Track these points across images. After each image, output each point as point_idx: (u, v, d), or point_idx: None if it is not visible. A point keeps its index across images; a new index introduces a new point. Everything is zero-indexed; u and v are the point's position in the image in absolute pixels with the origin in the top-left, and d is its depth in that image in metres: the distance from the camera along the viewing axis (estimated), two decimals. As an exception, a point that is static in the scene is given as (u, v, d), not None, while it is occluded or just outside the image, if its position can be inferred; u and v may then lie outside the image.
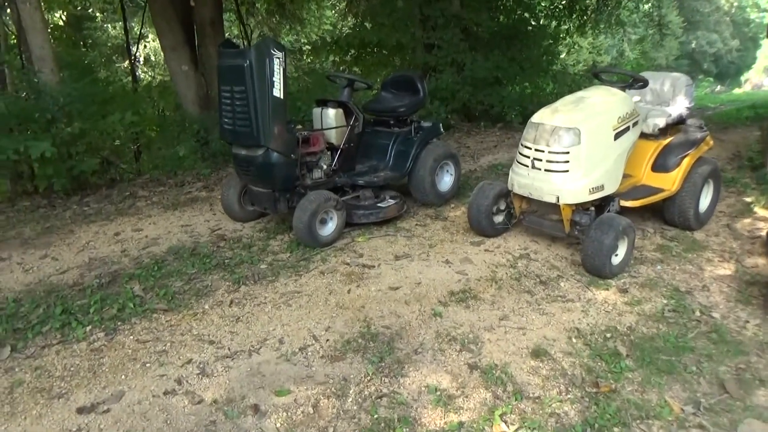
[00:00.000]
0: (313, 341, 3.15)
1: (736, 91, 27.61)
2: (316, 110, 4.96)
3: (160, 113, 8.19)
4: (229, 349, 3.11)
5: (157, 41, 9.92)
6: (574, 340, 3.27)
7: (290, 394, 2.74)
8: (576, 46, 19.63)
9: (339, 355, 3.03)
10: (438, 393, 2.76)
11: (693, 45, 36.56)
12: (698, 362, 3.10)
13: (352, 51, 10.20)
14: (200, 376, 2.87)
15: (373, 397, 2.71)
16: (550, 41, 11.42)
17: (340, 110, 4.92)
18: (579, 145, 3.97)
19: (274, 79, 4.19)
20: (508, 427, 2.58)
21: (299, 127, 4.74)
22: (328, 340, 3.17)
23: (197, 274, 4.03)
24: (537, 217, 4.45)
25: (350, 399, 2.70)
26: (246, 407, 2.65)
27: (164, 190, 6.21)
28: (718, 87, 29.17)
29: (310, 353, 3.05)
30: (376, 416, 2.59)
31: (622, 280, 3.99)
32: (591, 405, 2.76)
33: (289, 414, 2.61)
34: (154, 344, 3.16)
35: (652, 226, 4.99)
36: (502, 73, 9.69)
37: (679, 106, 4.91)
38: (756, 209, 5.53)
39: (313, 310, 3.49)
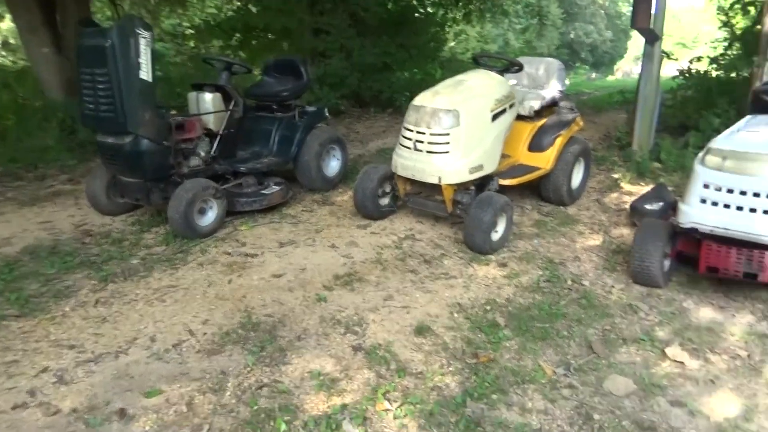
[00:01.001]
0: (189, 336, 2.97)
1: (609, 78, 30.00)
2: (192, 94, 4.68)
3: (20, 101, 7.40)
4: (92, 352, 2.85)
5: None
6: (455, 315, 3.34)
7: (162, 394, 2.56)
8: (464, 35, 20.26)
9: (217, 349, 2.88)
10: (321, 378, 2.70)
11: (572, 35, 39.09)
12: (569, 327, 3.29)
13: (237, 35, 9.81)
14: (57, 385, 2.60)
15: (253, 389, 2.60)
16: (437, 29, 11.70)
17: (218, 95, 4.68)
18: (458, 127, 4.06)
19: (140, 60, 3.89)
20: (390, 404, 2.58)
21: (173, 112, 4.46)
22: (205, 333, 3.00)
23: (57, 274, 3.66)
24: (421, 199, 4.51)
25: (228, 392, 2.57)
26: (111, 413, 2.44)
27: (22, 184, 5.61)
28: (594, 74, 31.50)
29: (184, 349, 2.87)
30: (255, 407, 2.49)
31: (502, 255, 4.15)
32: (471, 375, 2.83)
33: (159, 415, 2.43)
34: (2, 355, 2.83)
35: (530, 203, 5.25)
36: (391, 59, 9.78)
37: (553, 89, 5.18)
38: (622, 184, 6.00)
39: (189, 304, 3.29)
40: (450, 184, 4.14)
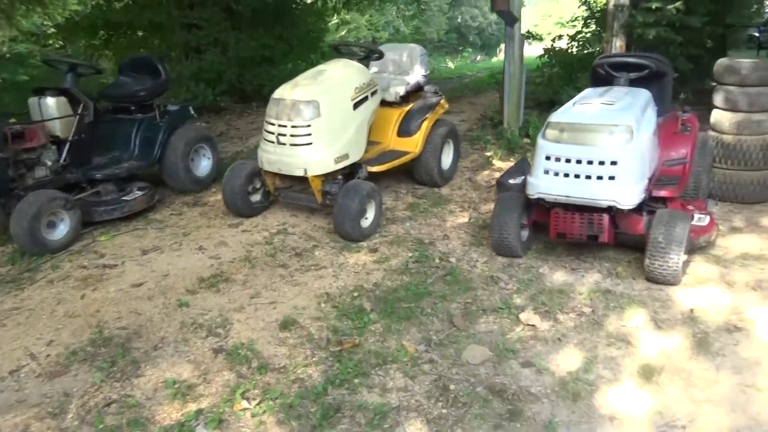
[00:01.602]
0: (29, 360, 2.77)
1: (494, 59, 31.21)
2: (33, 100, 4.34)
3: None
4: None
5: None
6: (323, 305, 3.36)
7: (-7, 428, 2.38)
8: (354, 23, 20.25)
9: (61, 370, 2.71)
10: (176, 386, 2.62)
11: (459, 20, 40.22)
12: (434, 304, 3.41)
13: (101, 33, 9.20)
14: None
15: (100, 407, 2.48)
16: (316, 19, 11.61)
17: (63, 98, 4.37)
18: (319, 118, 4.06)
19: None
20: (249, 403, 2.55)
21: (12, 120, 4.11)
22: (48, 355, 2.81)
23: None
24: (293, 192, 4.48)
25: (70, 415, 2.43)
26: (-67, 455, 2.24)
27: None
28: (479, 57, 32.61)
29: (23, 375, 2.67)
30: (101, 426, 2.37)
31: (374, 241, 4.22)
32: (334, 363, 2.86)
33: (-10, 450, 2.27)
34: None
35: (406, 187, 5.37)
36: (270, 51, 9.58)
37: (417, 75, 5.30)
38: (494, 162, 6.28)
39: (34, 326, 3.07)
40: (316, 176, 4.14)
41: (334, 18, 15.19)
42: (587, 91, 4.03)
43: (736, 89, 4.60)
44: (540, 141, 3.57)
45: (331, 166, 4.14)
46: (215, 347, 2.92)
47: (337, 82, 4.29)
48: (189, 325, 3.10)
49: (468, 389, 2.69)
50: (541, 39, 9.32)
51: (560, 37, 9.01)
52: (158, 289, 3.44)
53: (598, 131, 3.38)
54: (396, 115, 5.06)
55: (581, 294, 3.47)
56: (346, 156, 4.23)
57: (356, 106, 4.32)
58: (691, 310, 3.24)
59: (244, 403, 2.54)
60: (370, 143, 4.86)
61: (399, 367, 2.85)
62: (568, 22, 9.37)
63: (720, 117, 4.76)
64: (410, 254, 4.03)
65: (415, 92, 5.21)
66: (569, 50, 8.53)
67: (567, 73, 8.25)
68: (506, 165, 6.02)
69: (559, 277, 3.69)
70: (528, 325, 3.19)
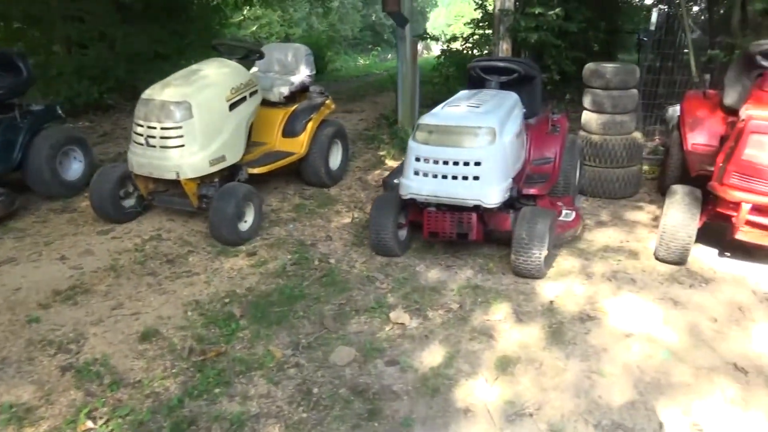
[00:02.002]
0: None
1: (405, 59, 31.65)
2: None
3: None
4: None
5: None
6: (189, 314, 3.25)
7: None
8: (260, 18, 19.77)
9: None
10: (12, 410, 2.44)
11: (374, 17, 40.44)
12: (307, 307, 3.39)
13: (-31, 25, 8.44)
14: None
15: None
16: (215, 14, 11.27)
17: None
18: (191, 119, 3.93)
19: None
20: (95, 422, 2.42)
21: None
22: None
23: None
24: (167, 196, 4.30)
25: None
26: None
27: None
28: (389, 55, 32.97)
29: None
30: None
31: (253, 244, 4.14)
32: (195, 374, 2.78)
33: None
34: None
35: (294, 188, 5.31)
36: (163, 47, 9.19)
37: (302, 75, 5.25)
38: (387, 161, 6.36)
39: None
40: (190, 179, 4.00)
41: (243, 12, 14.79)
42: (459, 93, 4.16)
43: (601, 92, 4.91)
44: (410, 143, 3.64)
45: (206, 169, 4.01)
46: (63, 365, 2.75)
47: (212, 82, 4.16)
48: (37, 342, 2.89)
49: (331, 391, 2.70)
50: (436, 39, 9.54)
51: (455, 38, 9.26)
52: (6, 305, 3.18)
53: (463, 133, 3.49)
54: (281, 115, 5.00)
55: (452, 291, 3.57)
56: (222, 158, 4.12)
57: (233, 106, 4.21)
58: (551, 302, 3.42)
59: (89, 423, 2.41)
60: (253, 144, 4.77)
61: (264, 374, 2.81)
62: (466, 24, 9.60)
63: (588, 118, 5.07)
64: (289, 257, 3.99)
65: (300, 92, 5.16)
66: (464, 51, 8.78)
67: (462, 74, 8.47)
68: (398, 164, 6.11)
69: (433, 275, 3.78)
70: (397, 323, 3.24)
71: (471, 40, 8.70)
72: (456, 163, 3.47)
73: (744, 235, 3.51)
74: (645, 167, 5.57)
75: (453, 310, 3.37)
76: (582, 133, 5.15)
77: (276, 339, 3.09)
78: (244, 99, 4.31)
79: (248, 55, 4.64)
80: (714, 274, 3.74)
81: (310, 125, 4.98)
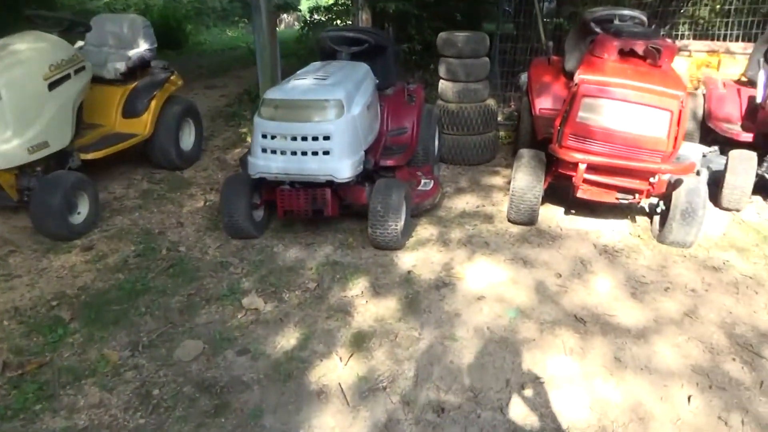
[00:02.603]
0: None
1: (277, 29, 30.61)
2: None
3: None
4: None
5: None
6: (6, 323, 2.85)
7: None
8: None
9: None
10: None
11: (242, -11, 38.64)
12: (151, 302, 3.11)
13: None
14: None
15: None
16: (51, -17, 10.10)
17: None
18: (0, 101, 3.42)
19: None
20: None
21: None
22: None
23: None
24: (-19, 189, 3.75)
25: None
26: None
27: None
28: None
29: None
30: None
31: (90, 238, 3.74)
32: (10, 392, 2.44)
33: None
34: None
35: (142, 173, 4.89)
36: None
37: (140, 48, 4.78)
38: (248, 138, 6.04)
39: None
40: (5, 169, 3.50)
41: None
42: (309, 66, 3.98)
43: (454, 61, 4.97)
44: (256, 119, 3.43)
45: (24, 157, 3.53)
46: None
47: (24, 58, 3.64)
48: None
49: (174, 391, 2.48)
50: (296, 9, 9.24)
51: (318, 8, 9.03)
52: None
53: (309, 107, 3.33)
54: (119, 94, 4.53)
55: (311, 269, 3.46)
56: (44, 144, 3.65)
57: (53, 86, 3.73)
58: (409, 272, 3.42)
59: None
60: (87, 127, 4.30)
61: (96, 381, 2.52)
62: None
63: (444, 87, 5.13)
64: (133, 248, 3.65)
65: (141, 69, 4.71)
66: (326, 22, 8.58)
67: (326, 46, 8.28)
68: (261, 142, 5.84)
69: (292, 254, 3.64)
70: (251, 309, 3.07)
71: (333, 10, 8.50)
72: (304, 139, 3.31)
73: (583, 193, 3.72)
74: (501, 133, 5.77)
75: (310, 289, 3.25)
76: (440, 102, 5.21)
77: (112, 341, 2.79)
78: (67, 77, 3.83)
79: (71, 28, 4.12)
80: (560, 231, 3.95)
81: (153, 104, 4.56)
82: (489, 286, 3.26)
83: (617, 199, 3.68)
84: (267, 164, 3.39)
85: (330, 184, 3.45)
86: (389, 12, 6.77)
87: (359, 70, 3.84)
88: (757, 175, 4.22)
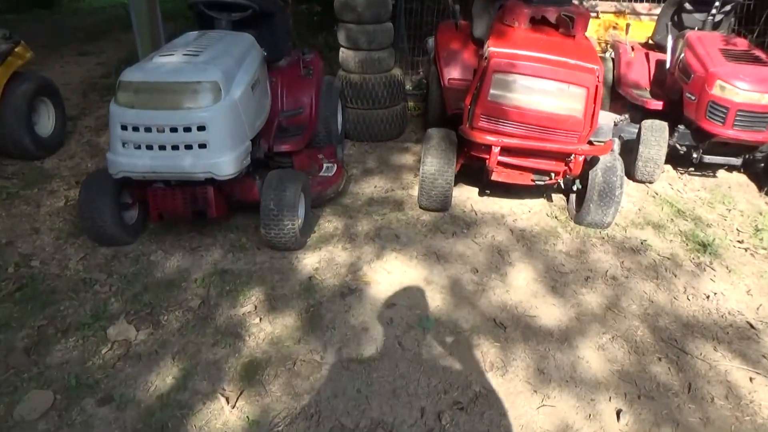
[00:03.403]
0: None
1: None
2: None
3: None
4: None
5: None
6: None
7: None
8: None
9: None
10: None
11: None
12: (-14, 342, 2.51)
13: None
14: None
15: None
16: None
17: None
18: None
19: None
20: None
21: None
22: None
23: None
24: None
25: None
26: None
27: None
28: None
29: None
30: None
31: None
32: None
33: None
34: None
35: (-8, 166, 4.10)
36: None
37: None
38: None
39: None
40: None
41: None
42: (181, 37, 3.34)
43: (354, 27, 4.46)
44: (112, 107, 2.80)
45: None
46: None
47: None
48: None
49: (10, 467, 1.97)
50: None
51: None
52: None
53: (177, 91, 2.74)
54: (-55, 71, 3.69)
55: (195, 281, 2.95)
56: None
57: None
58: (310, 278, 3.00)
59: None
60: None
61: None
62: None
63: (345, 56, 4.63)
64: (-32, 269, 2.98)
65: (-28, 38, 3.86)
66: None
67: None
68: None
69: (173, 263, 3.11)
70: (119, 341, 2.55)
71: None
72: (174, 130, 2.73)
73: (498, 176, 3.42)
74: (410, 104, 5.38)
75: (193, 308, 2.76)
76: (341, 72, 4.71)
77: (-71, 402, 2.20)
78: None
79: None
80: (476, 216, 3.66)
81: (-7, 82, 3.76)
82: (400, 290, 2.91)
83: (533, 180, 3.42)
84: (130, 162, 2.79)
85: (212, 181, 2.92)
86: (284, -32, 6.06)
87: (241, 41, 3.27)
88: (669, 145, 4.11)
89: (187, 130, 2.74)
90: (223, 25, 3.46)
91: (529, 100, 3.03)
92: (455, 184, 3.90)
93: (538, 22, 3.32)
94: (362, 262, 3.14)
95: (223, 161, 2.82)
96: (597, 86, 3.00)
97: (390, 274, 3.03)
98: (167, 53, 2.97)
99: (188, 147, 2.77)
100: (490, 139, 3.12)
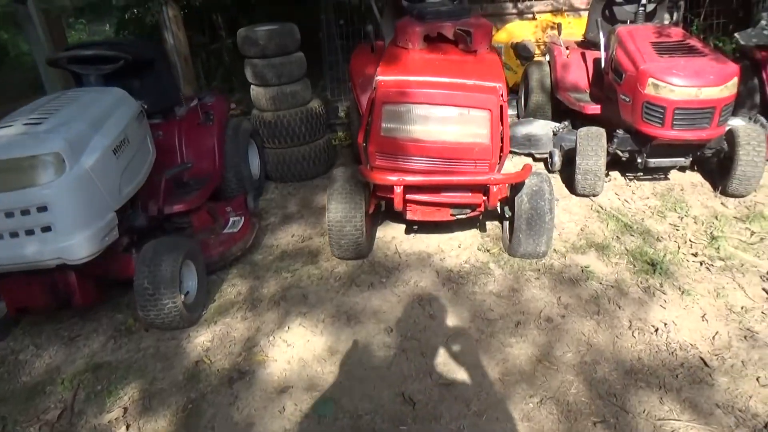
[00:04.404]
0: None
1: None
2: None
3: None
4: None
5: None
6: None
7: None
8: None
9: None
10: None
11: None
12: None
13: None
14: None
15: None
16: None
17: None
18: None
19: None
20: None
21: None
22: None
23: None
24: None
25: None
26: None
27: None
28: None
29: None
30: None
31: None
32: None
33: None
34: None
35: None
36: None
37: None
38: None
39: None
40: None
41: None
42: (33, 102, 2.94)
43: (259, 61, 4.10)
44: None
45: None
46: None
47: None
48: None
49: None
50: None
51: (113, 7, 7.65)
52: None
53: (10, 169, 2.35)
54: None
55: (63, 383, 2.53)
56: None
57: None
58: (197, 363, 2.59)
59: None
60: None
61: None
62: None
63: (256, 93, 4.26)
64: None
65: None
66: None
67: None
68: None
69: (43, 362, 2.69)
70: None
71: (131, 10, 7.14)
72: (10, 215, 2.34)
73: (413, 214, 3.04)
74: (340, 134, 5.01)
75: (51, 421, 2.34)
76: (254, 111, 4.34)
77: None
78: None
79: None
80: (399, 259, 3.26)
81: None
82: (299, 368, 2.50)
83: (452, 215, 3.03)
84: (-29, 252, 2.40)
85: (67, 267, 2.52)
86: (196, 5, 5.73)
87: (104, 98, 2.89)
88: (609, 153, 3.74)
89: (25, 212, 2.35)
90: (92, 81, 3.08)
91: (427, 130, 2.67)
92: (381, 222, 3.54)
93: (435, 40, 2.96)
94: (261, 334, 2.73)
95: (75, 243, 2.42)
96: (502, 106, 2.63)
97: (290, 347, 2.63)
98: (7, 124, 2.57)
99: (29, 232, 2.37)
100: (389, 179, 2.73)
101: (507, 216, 3.17)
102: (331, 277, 3.13)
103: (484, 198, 2.87)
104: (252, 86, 4.28)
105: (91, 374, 2.57)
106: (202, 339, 2.73)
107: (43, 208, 2.36)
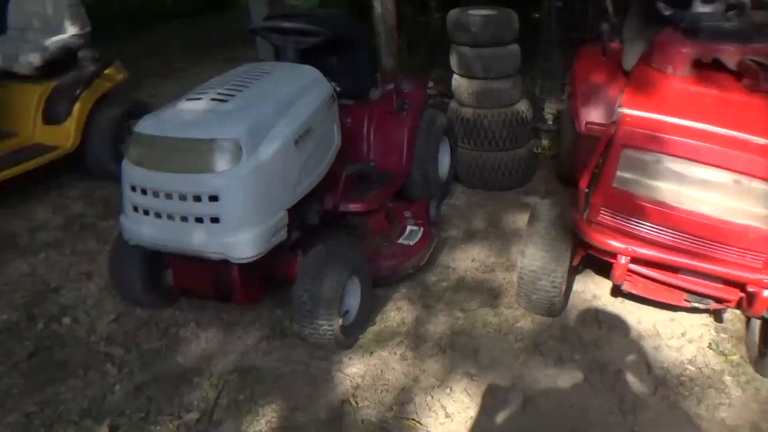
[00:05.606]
0: None
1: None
2: None
3: None
4: None
5: None
6: None
7: None
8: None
9: None
10: None
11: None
12: (-33, 428, 2.22)
13: None
14: None
15: None
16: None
17: None
18: None
19: None
20: None
21: None
22: None
23: None
24: None
25: None
26: None
27: None
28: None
29: None
30: None
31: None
32: None
33: None
34: None
35: (83, 187, 3.98)
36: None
37: (64, 35, 3.75)
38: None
39: None
40: None
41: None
42: (229, 72, 2.71)
43: (468, 50, 3.58)
44: (123, 163, 2.34)
45: None
46: None
47: None
48: None
49: None
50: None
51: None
52: None
53: (188, 150, 2.18)
54: (37, 93, 3.60)
55: (210, 379, 2.41)
56: None
57: None
58: (343, 403, 2.28)
59: None
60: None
61: None
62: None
63: (458, 84, 3.77)
64: (5, 317, 2.76)
65: (66, 60, 3.72)
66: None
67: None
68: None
69: (198, 346, 2.60)
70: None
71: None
72: (183, 198, 2.19)
73: (632, 287, 2.38)
74: (544, 142, 4.34)
75: (189, 423, 2.21)
76: (452, 105, 3.86)
77: None
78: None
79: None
80: (598, 331, 2.62)
81: (77, 107, 3.59)
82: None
83: (686, 301, 2.31)
84: (137, 229, 2.32)
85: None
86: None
87: (296, 77, 2.61)
88: None
89: (197, 199, 2.17)
90: (289, 55, 2.84)
91: (682, 194, 1.97)
92: (581, 271, 2.91)
93: (707, 67, 2.17)
94: (418, 387, 2.34)
95: (240, 241, 2.20)
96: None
97: (447, 419, 2.19)
98: (196, 96, 2.39)
99: (199, 220, 2.20)
100: (615, 245, 2.10)
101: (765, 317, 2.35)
102: (510, 334, 2.61)
103: (742, 295, 2.11)
104: (455, 75, 3.79)
105: (238, 377, 2.41)
106: (354, 370, 2.43)
107: (214, 198, 2.16)
